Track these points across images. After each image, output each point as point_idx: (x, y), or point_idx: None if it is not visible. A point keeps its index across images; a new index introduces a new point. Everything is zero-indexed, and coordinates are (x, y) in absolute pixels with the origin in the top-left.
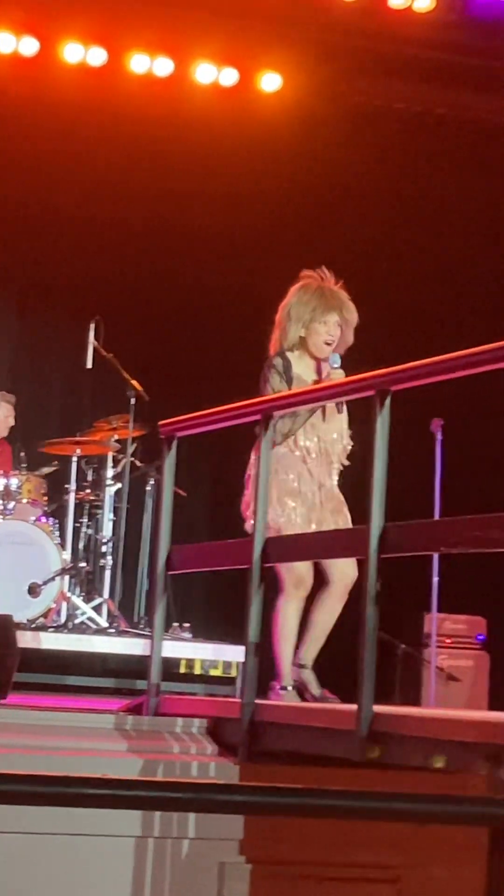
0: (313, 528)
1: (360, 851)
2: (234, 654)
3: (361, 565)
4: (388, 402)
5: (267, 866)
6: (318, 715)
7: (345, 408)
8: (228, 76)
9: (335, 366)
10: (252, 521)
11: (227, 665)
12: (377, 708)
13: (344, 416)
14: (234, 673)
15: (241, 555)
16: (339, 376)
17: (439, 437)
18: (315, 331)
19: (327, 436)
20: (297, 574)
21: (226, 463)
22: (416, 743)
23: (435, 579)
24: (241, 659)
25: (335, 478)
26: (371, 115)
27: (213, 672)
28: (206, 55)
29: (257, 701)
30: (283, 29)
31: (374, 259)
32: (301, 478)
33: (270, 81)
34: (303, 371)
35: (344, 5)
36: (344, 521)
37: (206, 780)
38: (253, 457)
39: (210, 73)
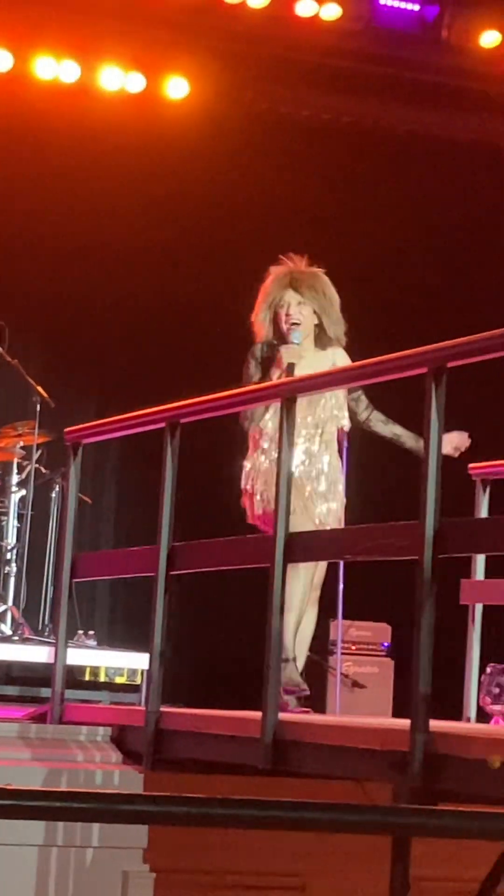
0: (316, 523)
1: (266, 859)
2: (140, 661)
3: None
4: (294, 409)
5: (171, 875)
6: (222, 723)
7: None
8: (135, 82)
9: (295, 341)
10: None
11: (133, 673)
12: (282, 716)
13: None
14: (139, 681)
15: (147, 562)
16: (291, 352)
17: (345, 444)
18: (279, 316)
19: (321, 410)
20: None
21: (131, 470)
22: (321, 751)
23: (340, 586)
24: (146, 666)
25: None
26: (278, 123)
27: (119, 680)
28: (113, 60)
29: (163, 709)
30: (190, 36)
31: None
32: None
33: (178, 88)
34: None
35: (251, 12)
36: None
37: (111, 789)
38: (246, 465)
39: (117, 79)
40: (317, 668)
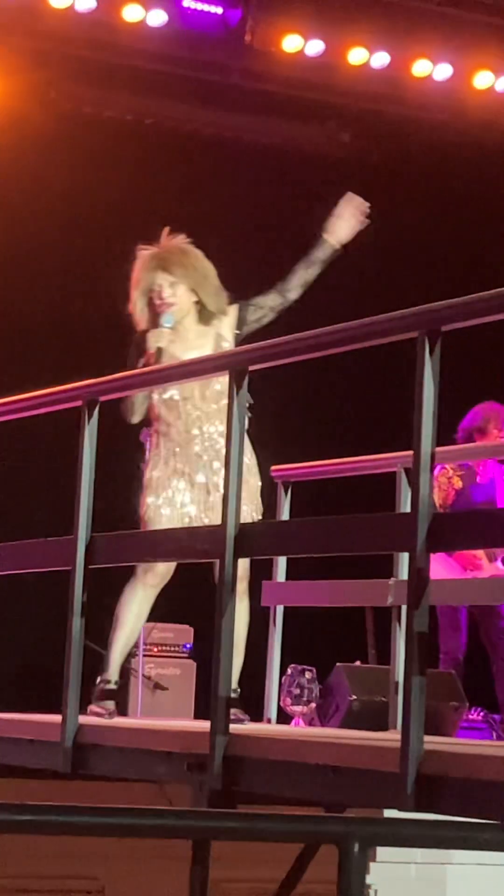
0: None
1: (65, 863)
2: None
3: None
4: (96, 412)
5: None
6: (22, 727)
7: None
8: None
9: (166, 325)
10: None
11: None
12: (83, 719)
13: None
14: None
15: None
16: (158, 336)
17: (148, 446)
18: (152, 301)
19: (209, 392)
20: None
21: None
22: (122, 754)
23: None
24: None
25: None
26: (82, 123)
27: None
28: None
29: None
30: None
31: (80, 266)
32: (178, 455)
33: None
34: (168, 345)
35: (53, 11)
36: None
37: None
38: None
39: None
40: (120, 670)
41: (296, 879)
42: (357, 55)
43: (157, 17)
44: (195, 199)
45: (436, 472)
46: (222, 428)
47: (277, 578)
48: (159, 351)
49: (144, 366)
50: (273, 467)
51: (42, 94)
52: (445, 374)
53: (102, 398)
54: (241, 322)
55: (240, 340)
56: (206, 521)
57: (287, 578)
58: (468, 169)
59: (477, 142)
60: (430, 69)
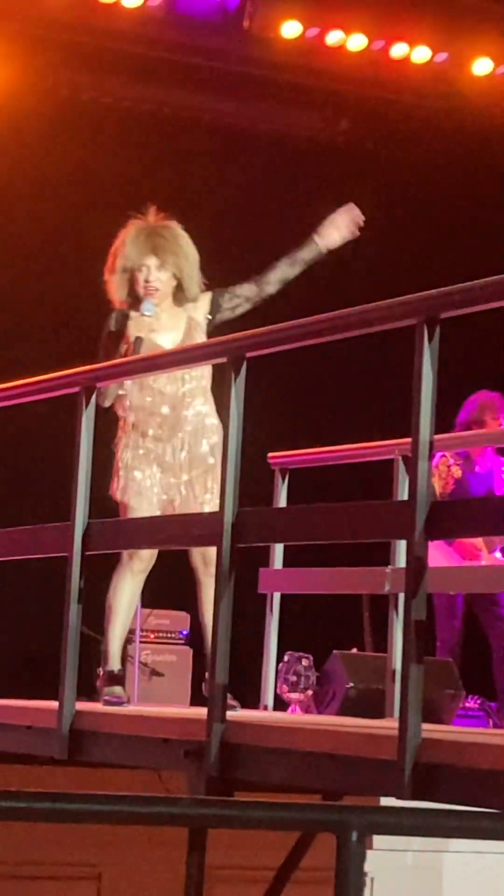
0: (164, 499)
1: (61, 850)
2: None
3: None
4: (93, 398)
5: None
6: (18, 713)
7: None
8: None
9: (147, 314)
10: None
11: None
12: (80, 706)
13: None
14: None
15: None
16: (140, 324)
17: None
18: (136, 279)
19: (174, 389)
20: None
21: None
22: (118, 741)
23: None
24: None
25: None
26: (79, 110)
27: None
28: None
29: None
30: None
31: (78, 252)
32: (142, 444)
33: None
34: (147, 333)
35: None
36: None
37: None
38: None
39: None
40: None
41: (293, 866)
42: (356, 41)
43: (156, 3)
44: (193, 184)
45: (436, 459)
46: (200, 409)
47: (274, 566)
48: (138, 340)
49: (125, 352)
50: (270, 454)
51: (40, 80)
52: (444, 361)
53: (100, 384)
54: (214, 308)
55: (211, 328)
56: (175, 503)
57: (284, 565)
58: (466, 156)
59: (475, 128)
60: (429, 55)
